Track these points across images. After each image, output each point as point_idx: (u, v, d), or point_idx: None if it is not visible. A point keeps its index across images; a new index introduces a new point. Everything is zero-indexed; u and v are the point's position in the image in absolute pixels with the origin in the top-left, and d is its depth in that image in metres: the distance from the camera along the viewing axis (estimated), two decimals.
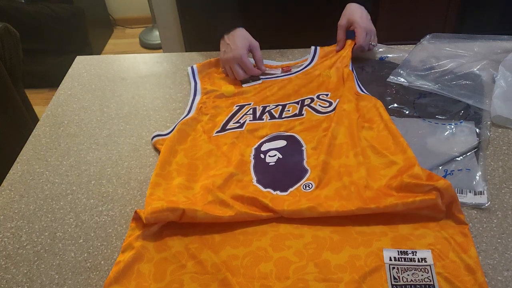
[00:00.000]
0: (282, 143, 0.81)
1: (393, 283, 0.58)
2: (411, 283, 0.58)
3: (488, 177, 0.73)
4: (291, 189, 0.72)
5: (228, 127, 0.86)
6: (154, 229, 0.66)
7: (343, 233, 0.64)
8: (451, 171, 0.74)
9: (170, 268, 0.62)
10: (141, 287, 0.60)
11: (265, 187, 0.73)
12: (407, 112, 0.86)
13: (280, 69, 1.02)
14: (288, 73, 1.01)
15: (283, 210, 0.67)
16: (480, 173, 0.73)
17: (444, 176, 0.73)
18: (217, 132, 0.86)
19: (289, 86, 0.95)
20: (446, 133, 0.80)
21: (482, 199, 0.69)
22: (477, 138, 0.79)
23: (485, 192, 0.70)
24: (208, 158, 0.80)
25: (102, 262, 0.66)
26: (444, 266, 0.59)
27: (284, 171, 0.76)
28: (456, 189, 0.70)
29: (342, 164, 0.74)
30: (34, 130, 0.92)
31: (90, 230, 0.71)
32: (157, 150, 0.85)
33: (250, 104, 0.92)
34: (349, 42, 1.02)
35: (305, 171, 0.75)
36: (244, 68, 0.96)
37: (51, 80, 1.70)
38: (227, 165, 0.77)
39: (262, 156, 0.79)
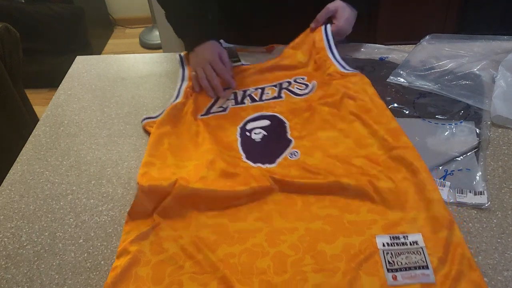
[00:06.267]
0: (265, 122, 0.86)
1: (388, 267, 0.60)
2: (406, 265, 0.60)
3: (488, 177, 0.73)
4: (278, 160, 0.76)
5: (212, 111, 0.90)
6: (148, 232, 0.67)
7: (335, 223, 0.66)
8: (451, 171, 0.74)
9: (168, 269, 0.62)
10: None
11: (255, 163, 0.77)
12: (407, 112, 0.86)
13: (264, 49, 1.05)
14: (271, 53, 1.05)
15: (274, 178, 0.71)
16: (480, 173, 0.73)
17: (444, 176, 0.73)
18: (201, 115, 0.89)
19: (265, 68, 0.98)
20: (446, 133, 0.80)
21: (482, 199, 0.69)
22: (477, 138, 0.79)
23: (485, 192, 0.70)
24: (196, 138, 0.83)
25: (102, 262, 0.66)
26: (435, 246, 0.62)
27: (270, 145, 0.80)
28: (456, 189, 0.71)
29: (327, 136, 0.79)
30: (34, 130, 0.92)
31: (90, 230, 0.71)
32: (147, 132, 0.87)
33: (229, 88, 0.95)
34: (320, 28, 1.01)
35: (289, 141, 0.80)
36: (216, 68, 0.94)
37: (51, 80, 1.70)
38: (215, 144, 0.80)
39: (247, 134, 0.84)
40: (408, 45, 1.06)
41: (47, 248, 0.68)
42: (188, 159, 0.79)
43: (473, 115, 0.84)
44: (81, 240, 0.69)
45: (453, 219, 0.64)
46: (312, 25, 1.01)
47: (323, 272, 0.60)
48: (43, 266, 0.66)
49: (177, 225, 0.68)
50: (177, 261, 0.63)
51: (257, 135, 0.83)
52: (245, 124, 0.86)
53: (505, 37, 1.01)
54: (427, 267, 0.59)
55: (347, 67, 0.93)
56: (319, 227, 0.66)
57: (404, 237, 0.63)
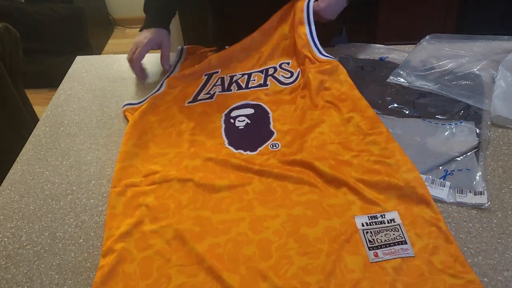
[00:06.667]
0: (250, 110, 0.89)
1: (369, 245, 0.63)
2: (385, 242, 0.63)
3: (488, 177, 0.73)
4: (259, 149, 0.80)
5: (199, 98, 0.92)
6: (131, 229, 0.67)
7: (315, 208, 0.69)
8: (451, 171, 0.74)
9: (155, 264, 0.63)
10: (129, 287, 0.61)
11: (237, 149, 0.80)
12: (407, 112, 0.86)
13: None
14: None
15: (254, 165, 0.75)
16: (480, 173, 0.73)
17: (444, 176, 0.73)
18: (188, 102, 0.92)
19: (251, 48, 1.00)
20: (446, 133, 0.80)
21: (482, 199, 0.69)
22: (477, 138, 0.79)
23: (485, 192, 0.70)
24: (180, 125, 0.85)
25: None
26: (411, 223, 0.65)
27: (253, 134, 0.83)
28: (456, 189, 0.71)
29: (306, 126, 0.82)
30: (34, 130, 0.92)
31: (90, 230, 0.71)
32: (126, 119, 0.89)
33: (217, 72, 0.98)
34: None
35: (272, 133, 0.83)
36: (138, 51, 0.97)
37: (51, 80, 1.70)
38: (199, 132, 0.84)
39: (231, 121, 0.87)
40: (408, 45, 1.06)
41: (47, 248, 0.68)
42: (170, 146, 0.81)
43: (473, 115, 0.84)
44: (81, 240, 0.69)
45: (429, 196, 0.68)
46: None
47: (308, 254, 0.62)
48: (43, 266, 0.66)
49: (161, 221, 0.68)
50: (163, 255, 0.64)
51: (241, 123, 0.86)
52: (230, 111, 0.89)
53: (505, 37, 1.01)
54: (405, 242, 0.63)
55: (323, 52, 0.95)
56: (301, 212, 0.68)
57: (381, 216, 0.66)
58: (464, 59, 0.96)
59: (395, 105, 0.88)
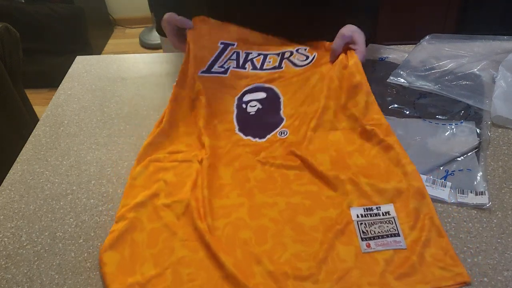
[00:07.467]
0: (262, 95, 0.90)
1: (362, 236, 0.65)
2: (379, 234, 0.65)
3: (488, 177, 0.73)
4: (268, 136, 0.82)
5: (213, 69, 0.93)
6: (146, 201, 0.70)
7: (314, 198, 0.71)
8: (452, 171, 0.74)
9: (162, 236, 0.66)
10: (135, 253, 0.64)
11: (246, 135, 0.83)
12: (407, 112, 0.86)
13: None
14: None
15: (258, 155, 0.77)
16: (481, 173, 0.73)
17: (445, 177, 0.73)
18: (202, 71, 0.91)
19: (271, 38, 0.99)
20: (447, 133, 0.80)
21: (483, 200, 0.69)
22: (478, 138, 0.79)
23: (486, 192, 0.70)
24: (200, 109, 0.86)
25: None
26: (406, 215, 0.67)
27: (263, 120, 0.85)
28: (457, 189, 0.71)
29: (314, 109, 0.83)
30: (34, 130, 0.92)
31: (90, 230, 0.71)
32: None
33: (234, 45, 0.95)
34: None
35: (281, 119, 0.85)
36: (177, 24, 0.94)
37: (51, 80, 1.69)
38: (213, 116, 0.86)
39: (243, 106, 0.89)
40: (408, 45, 1.05)
41: (47, 248, 0.68)
42: (196, 126, 0.84)
43: (473, 115, 0.84)
44: (81, 240, 0.69)
45: (425, 189, 0.69)
46: (331, 58, 0.90)
47: (302, 242, 0.64)
48: (43, 266, 0.66)
49: (174, 196, 0.71)
50: (171, 228, 0.67)
51: (252, 108, 0.87)
52: (243, 95, 0.90)
53: (505, 37, 1.01)
54: (398, 235, 0.64)
55: None
56: (299, 201, 0.70)
57: (377, 208, 0.68)
58: (464, 59, 0.96)
59: (396, 105, 0.88)
